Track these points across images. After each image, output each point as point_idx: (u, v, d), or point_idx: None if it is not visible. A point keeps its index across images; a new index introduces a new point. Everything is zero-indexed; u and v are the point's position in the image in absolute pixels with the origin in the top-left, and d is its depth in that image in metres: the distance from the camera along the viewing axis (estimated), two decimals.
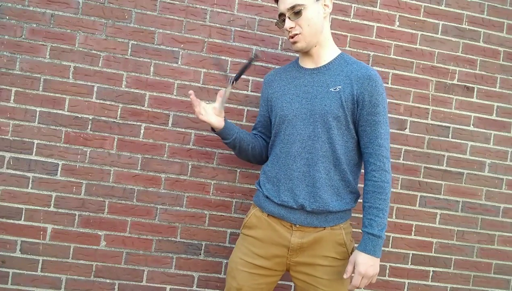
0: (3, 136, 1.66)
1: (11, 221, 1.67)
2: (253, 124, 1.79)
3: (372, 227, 1.27)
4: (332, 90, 1.32)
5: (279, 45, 1.79)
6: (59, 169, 1.69)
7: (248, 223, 1.42)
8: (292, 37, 1.34)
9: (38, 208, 1.68)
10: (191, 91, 1.37)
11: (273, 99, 1.44)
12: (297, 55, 1.80)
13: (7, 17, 1.65)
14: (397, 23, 1.85)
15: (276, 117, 1.40)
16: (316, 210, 1.31)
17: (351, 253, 1.38)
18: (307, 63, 1.41)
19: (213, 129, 1.45)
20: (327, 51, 1.38)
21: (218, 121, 1.39)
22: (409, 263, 1.87)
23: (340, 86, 1.32)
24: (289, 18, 1.32)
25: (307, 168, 1.32)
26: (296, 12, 1.30)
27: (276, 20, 1.36)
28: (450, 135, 1.89)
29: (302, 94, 1.36)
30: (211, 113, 1.39)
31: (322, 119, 1.31)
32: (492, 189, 1.92)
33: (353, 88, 1.31)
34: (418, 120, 1.87)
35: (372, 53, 1.84)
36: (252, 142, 1.48)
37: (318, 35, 1.34)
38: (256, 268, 1.37)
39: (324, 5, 1.34)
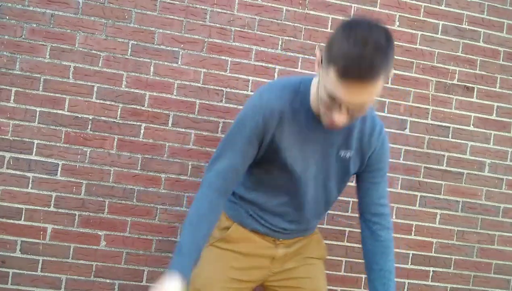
0: (3, 136, 1.66)
1: (11, 221, 1.67)
2: None
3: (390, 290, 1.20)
4: (342, 155, 1.18)
5: (279, 45, 1.79)
6: (59, 169, 1.69)
7: (228, 237, 1.29)
8: (334, 124, 1.01)
9: (38, 208, 1.68)
10: None
11: (278, 142, 1.14)
12: (298, 55, 1.80)
13: (7, 17, 1.65)
14: (397, 23, 1.85)
15: (276, 161, 1.17)
16: (300, 230, 1.31)
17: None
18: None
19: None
20: None
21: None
22: (409, 263, 1.87)
23: (350, 151, 1.18)
24: (347, 109, 0.96)
25: (297, 212, 1.26)
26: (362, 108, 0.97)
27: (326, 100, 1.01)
28: (450, 135, 1.89)
29: (310, 152, 1.16)
30: None
31: (323, 183, 1.22)
32: (492, 189, 1.92)
33: (363, 153, 1.19)
34: (418, 120, 1.87)
35: None
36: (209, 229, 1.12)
37: None
38: (234, 281, 1.28)
39: None
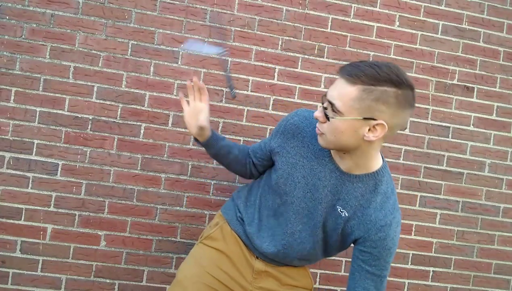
0: (3, 136, 1.66)
1: (11, 221, 1.67)
2: (253, 124, 1.78)
3: None
4: (339, 210, 1.13)
5: (279, 45, 1.79)
6: (59, 169, 1.69)
7: (214, 235, 1.33)
8: (317, 128, 1.08)
9: (38, 208, 1.68)
10: (194, 79, 1.22)
11: (284, 157, 1.19)
12: (298, 55, 1.80)
13: (7, 17, 1.65)
14: (397, 23, 1.85)
15: (278, 179, 1.21)
16: (276, 260, 1.28)
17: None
18: (334, 155, 1.13)
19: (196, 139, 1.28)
20: (360, 165, 1.09)
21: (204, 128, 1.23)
22: (409, 263, 1.87)
23: (346, 213, 1.12)
24: (323, 108, 1.03)
25: (276, 243, 1.23)
26: (331, 111, 1.01)
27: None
28: (450, 135, 1.89)
29: (311, 186, 1.15)
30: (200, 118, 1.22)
31: (312, 230, 1.18)
32: (492, 189, 1.91)
33: (358, 227, 1.11)
34: (418, 120, 1.87)
35: (372, 53, 1.84)
36: (240, 161, 1.32)
37: (343, 145, 1.05)
38: (216, 282, 1.26)
39: (373, 126, 0.99)
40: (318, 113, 1.04)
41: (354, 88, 0.96)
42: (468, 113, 1.90)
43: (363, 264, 1.10)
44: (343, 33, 1.82)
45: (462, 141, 1.90)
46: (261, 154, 1.29)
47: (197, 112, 1.23)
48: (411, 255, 1.87)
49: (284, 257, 1.24)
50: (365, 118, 0.98)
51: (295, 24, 1.79)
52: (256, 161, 1.31)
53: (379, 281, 1.09)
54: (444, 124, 1.88)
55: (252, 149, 1.33)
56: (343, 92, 0.98)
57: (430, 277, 1.89)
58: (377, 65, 0.96)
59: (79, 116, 1.70)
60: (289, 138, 1.18)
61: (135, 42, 1.72)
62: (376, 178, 1.10)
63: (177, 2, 1.73)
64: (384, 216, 1.09)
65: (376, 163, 1.10)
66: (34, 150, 1.68)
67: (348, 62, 1.02)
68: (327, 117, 1.01)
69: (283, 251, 1.22)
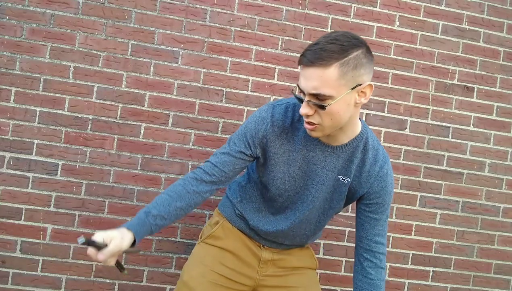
0: (3, 136, 1.66)
1: (11, 221, 1.67)
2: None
3: None
4: (341, 179, 1.18)
5: (279, 45, 1.79)
6: (59, 169, 1.69)
7: (216, 234, 1.33)
8: (308, 124, 1.06)
9: (38, 208, 1.68)
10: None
11: (273, 159, 1.18)
12: (298, 55, 1.80)
13: (7, 17, 1.65)
14: (397, 23, 1.85)
15: (274, 180, 1.20)
16: (284, 244, 1.32)
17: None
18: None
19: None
20: (348, 133, 1.13)
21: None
22: (409, 263, 1.87)
23: (349, 179, 1.18)
24: (308, 102, 1.02)
25: (283, 229, 1.26)
26: (320, 101, 1.00)
27: (294, 87, 1.12)
28: (450, 135, 1.89)
29: (310, 172, 1.18)
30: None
31: (320, 211, 1.24)
32: (492, 189, 1.91)
33: (360, 185, 1.19)
34: (418, 120, 1.87)
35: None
36: (181, 210, 1.16)
37: (341, 124, 1.07)
38: (222, 278, 1.28)
39: (361, 92, 1.03)
40: (306, 110, 1.02)
41: (332, 68, 0.98)
42: (468, 113, 1.90)
43: (371, 214, 1.20)
44: None
45: (462, 141, 1.90)
46: (229, 166, 1.18)
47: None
48: (411, 255, 1.87)
49: (294, 238, 1.28)
50: (353, 88, 1.01)
51: (295, 24, 1.79)
52: (222, 184, 1.20)
53: (385, 222, 1.22)
54: (444, 124, 1.88)
55: (212, 172, 1.17)
56: (324, 78, 0.98)
57: (430, 277, 1.89)
58: (334, 38, 1.00)
59: (79, 116, 1.70)
60: (274, 141, 1.16)
61: (135, 42, 1.72)
62: (363, 137, 1.16)
63: (177, 2, 1.73)
64: (380, 167, 1.18)
65: (358, 124, 1.15)
66: (34, 150, 1.68)
67: (307, 47, 1.02)
68: (323, 107, 1.00)
69: (291, 231, 1.26)
